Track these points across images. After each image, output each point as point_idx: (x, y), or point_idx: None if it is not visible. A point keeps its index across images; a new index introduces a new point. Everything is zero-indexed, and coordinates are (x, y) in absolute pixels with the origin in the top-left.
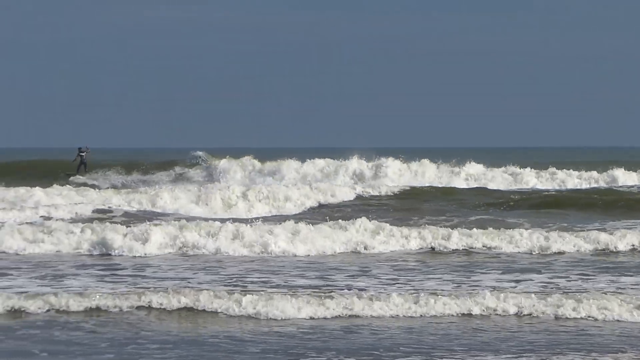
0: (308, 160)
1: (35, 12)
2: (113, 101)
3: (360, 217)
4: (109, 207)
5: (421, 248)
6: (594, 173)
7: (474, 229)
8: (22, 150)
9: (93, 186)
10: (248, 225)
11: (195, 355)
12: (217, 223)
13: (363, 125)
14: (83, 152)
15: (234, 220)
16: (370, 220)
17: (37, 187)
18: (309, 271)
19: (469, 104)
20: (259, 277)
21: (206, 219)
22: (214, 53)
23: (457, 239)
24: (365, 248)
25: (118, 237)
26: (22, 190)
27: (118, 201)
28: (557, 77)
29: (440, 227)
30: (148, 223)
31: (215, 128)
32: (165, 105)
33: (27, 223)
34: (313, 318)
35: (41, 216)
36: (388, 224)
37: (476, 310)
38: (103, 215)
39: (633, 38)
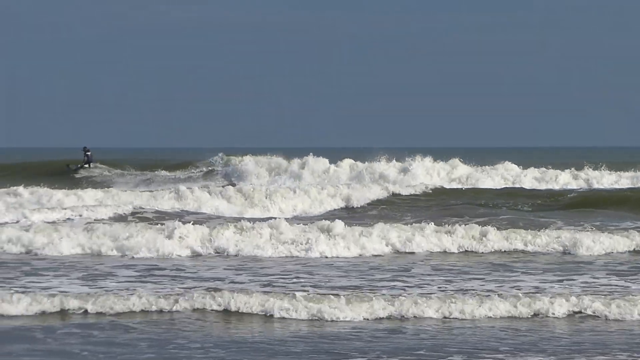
0: (335, 161)
1: (35, 12)
2: (113, 101)
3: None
4: (141, 207)
5: (460, 247)
6: (622, 173)
7: (512, 229)
8: (22, 150)
9: (105, 182)
10: (299, 224)
11: (236, 355)
12: (264, 222)
13: (363, 125)
14: (89, 151)
15: (270, 219)
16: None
17: (59, 190)
18: (351, 272)
19: (469, 104)
20: (300, 277)
21: (245, 219)
22: (214, 53)
23: (495, 238)
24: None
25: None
26: (45, 190)
27: (149, 201)
28: (557, 77)
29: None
30: (182, 223)
31: (215, 128)
32: (165, 105)
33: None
34: (356, 319)
35: (79, 216)
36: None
37: (522, 311)
38: (140, 215)
39: (633, 38)
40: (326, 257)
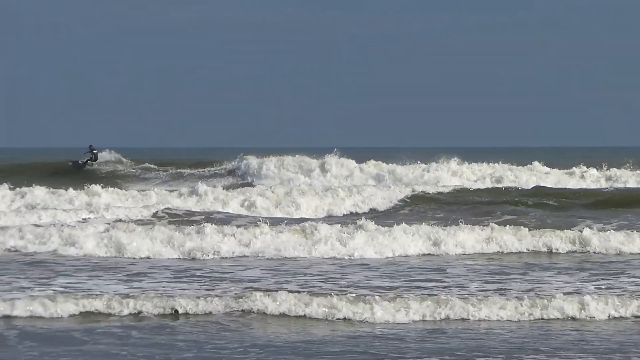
0: (359, 162)
1: (36, 13)
2: (113, 101)
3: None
4: (171, 208)
5: (499, 250)
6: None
7: (547, 229)
8: (23, 151)
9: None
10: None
11: (275, 356)
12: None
13: (363, 125)
14: (95, 150)
15: (302, 220)
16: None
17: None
18: (394, 272)
19: (469, 104)
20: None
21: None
22: (214, 53)
23: (531, 239)
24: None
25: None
26: (74, 191)
27: (180, 202)
28: (557, 77)
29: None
30: (215, 224)
31: (215, 128)
32: (165, 105)
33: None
34: (394, 320)
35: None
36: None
37: (570, 311)
38: (175, 216)
39: (633, 38)
40: (362, 258)
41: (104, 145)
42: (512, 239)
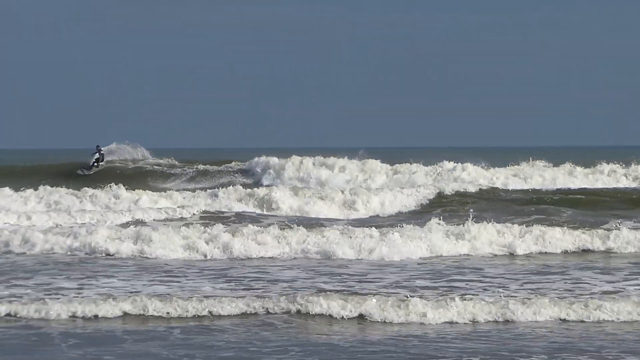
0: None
1: (36, 13)
2: (113, 101)
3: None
4: (222, 209)
5: (532, 252)
6: None
7: (582, 229)
8: (23, 152)
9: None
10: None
11: (316, 356)
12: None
13: (363, 125)
14: (102, 150)
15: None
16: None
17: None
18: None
19: (469, 104)
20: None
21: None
22: (214, 53)
23: (567, 237)
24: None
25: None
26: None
27: (226, 202)
28: (557, 77)
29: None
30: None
31: (216, 128)
32: (165, 105)
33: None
34: (437, 321)
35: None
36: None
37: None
38: (225, 218)
39: (633, 38)
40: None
41: (104, 145)
42: (551, 237)
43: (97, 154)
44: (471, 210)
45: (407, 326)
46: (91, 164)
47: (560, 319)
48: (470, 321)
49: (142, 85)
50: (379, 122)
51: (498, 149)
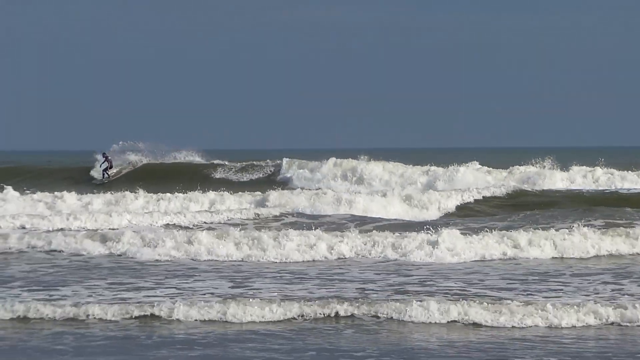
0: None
1: (36, 13)
2: (113, 101)
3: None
4: (282, 212)
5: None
6: None
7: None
8: (24, 153)
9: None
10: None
11: (392, 356)
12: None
13: (363, 125)
14: (109, 157)
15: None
16: None
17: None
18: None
19: (469, 104)
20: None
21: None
22: (214, 53)
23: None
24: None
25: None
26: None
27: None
28: (557, 77)
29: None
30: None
31: (216, 128)
32: (165, 105)
33: None
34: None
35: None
36: None
37: None
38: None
39: (633, 38)
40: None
41: (103, 147)
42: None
43: (105, 161)
44: None
45: (489, 330)
46: (102, 175)
47: None
48: (539, 324)
49: (140, 85)
50: (379, 122)
51: (499, 149)
